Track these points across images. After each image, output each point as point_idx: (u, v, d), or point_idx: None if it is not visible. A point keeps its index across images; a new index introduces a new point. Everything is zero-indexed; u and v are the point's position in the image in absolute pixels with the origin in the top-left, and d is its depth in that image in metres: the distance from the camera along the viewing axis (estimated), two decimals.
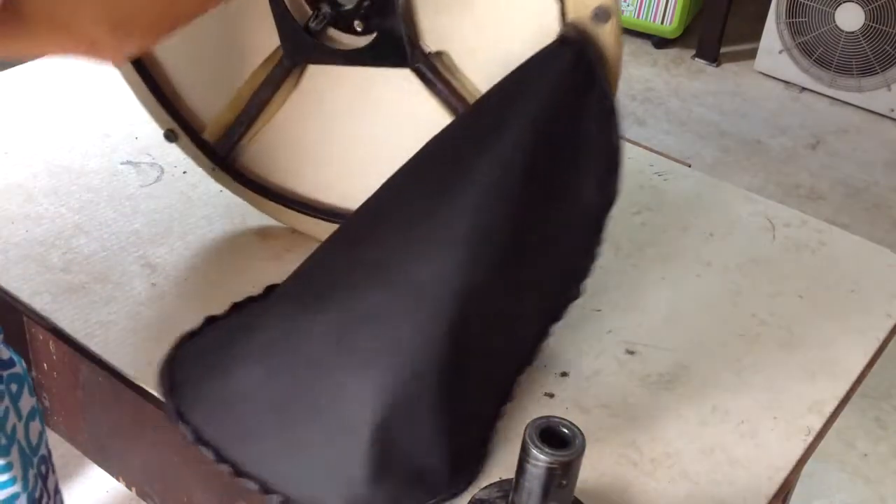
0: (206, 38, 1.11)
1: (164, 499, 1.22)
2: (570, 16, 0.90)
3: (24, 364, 0.96)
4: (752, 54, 3.35)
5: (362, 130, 1.13)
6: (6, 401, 0.91)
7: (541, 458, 0.78)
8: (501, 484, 0.92)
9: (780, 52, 3.21)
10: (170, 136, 1.18)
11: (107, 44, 0.68)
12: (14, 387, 0.92)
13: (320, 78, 1.11)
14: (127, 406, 1.12)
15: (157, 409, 1.01)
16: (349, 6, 1.03)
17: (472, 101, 1.01)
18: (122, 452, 1.23)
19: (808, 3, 3.07)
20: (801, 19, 3.11)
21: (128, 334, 1.07)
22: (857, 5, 2.98)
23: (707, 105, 3.17)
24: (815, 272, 1.24)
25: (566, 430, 0.80)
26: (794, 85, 3.25)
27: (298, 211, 1.21)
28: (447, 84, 1.03)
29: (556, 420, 0.80)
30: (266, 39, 1.09)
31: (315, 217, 1.20)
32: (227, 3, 0.88)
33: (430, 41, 1.03)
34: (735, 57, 3.43)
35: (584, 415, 1.02)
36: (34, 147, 1.34)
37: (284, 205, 1.21)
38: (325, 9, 1.04)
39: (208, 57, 1.14)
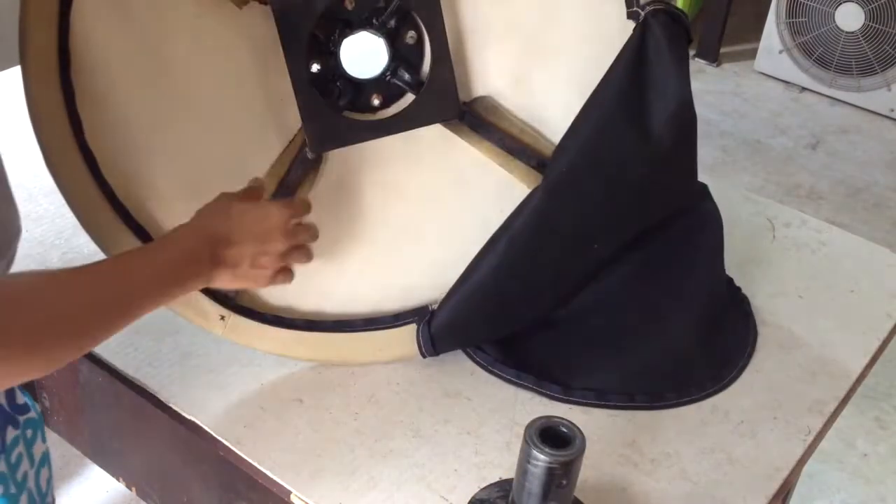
0: (200, 183, 0.97)
1: (163, 499, 1.22)
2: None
3: (38, 409, 0.95)
4: (752, 54, 3.34)
5: (415, 204, 1.03)
6: (20, 447, 0.90)
7: (541, 458, 0.78)
8: (502, 484, 0.92)
9: (780, 52, 3.21)
10: None
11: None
12: (29, 432, 0.91)
13: (340, 166, 1.00)
14: (127, 406, 1.12)
15: (157, 409, 1.01)
16: (375, 73, 0.94)
17: (518, 134, 1.00)
18: (122, 452, 1.23)
19: (808, 3, 3.07)
20: (801, 19, 3.11)
21: (128, 334, 1.06)
22: (857, 5, 2.98)
23: (707, 105, 3.17)
24: (815, 272, 1.24)
25: (566, 430, 0.80)
26: (794, 85, 3.25)
27: (358, 331, 1.05)
28: (494, 125, 1.00)
29: (557, 420, 0.80)
30: (259, 153, 0.99)
31: (383, 328, 1.05)
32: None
33: (476, 87, 1.00)
34: (735, 57, 3.43)
35: (584, 415, 1.02)
36: (34, 147, 1.34)
37: (337, 329, 1.05)
38: (343, 85, 0.95)
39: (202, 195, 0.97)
